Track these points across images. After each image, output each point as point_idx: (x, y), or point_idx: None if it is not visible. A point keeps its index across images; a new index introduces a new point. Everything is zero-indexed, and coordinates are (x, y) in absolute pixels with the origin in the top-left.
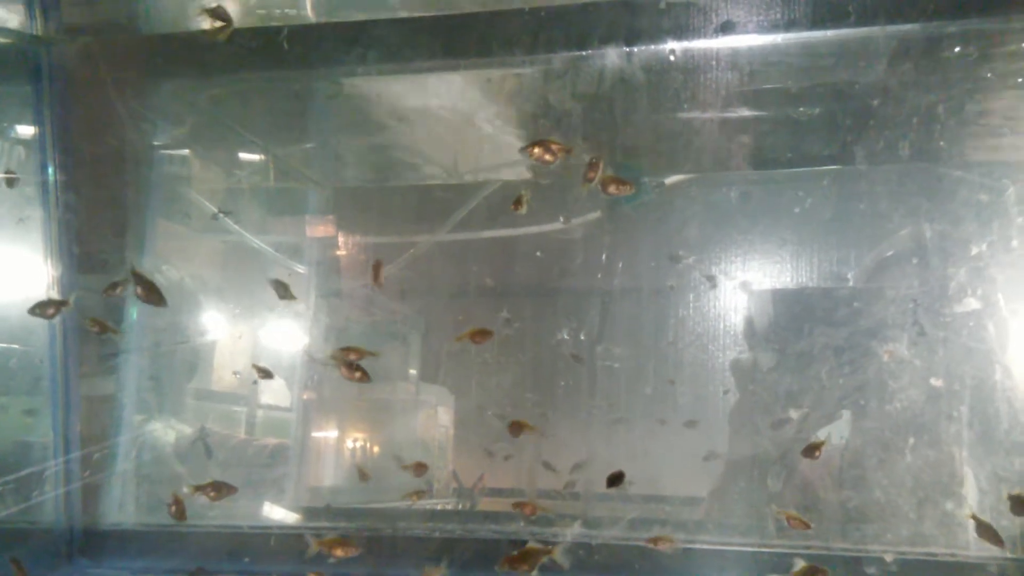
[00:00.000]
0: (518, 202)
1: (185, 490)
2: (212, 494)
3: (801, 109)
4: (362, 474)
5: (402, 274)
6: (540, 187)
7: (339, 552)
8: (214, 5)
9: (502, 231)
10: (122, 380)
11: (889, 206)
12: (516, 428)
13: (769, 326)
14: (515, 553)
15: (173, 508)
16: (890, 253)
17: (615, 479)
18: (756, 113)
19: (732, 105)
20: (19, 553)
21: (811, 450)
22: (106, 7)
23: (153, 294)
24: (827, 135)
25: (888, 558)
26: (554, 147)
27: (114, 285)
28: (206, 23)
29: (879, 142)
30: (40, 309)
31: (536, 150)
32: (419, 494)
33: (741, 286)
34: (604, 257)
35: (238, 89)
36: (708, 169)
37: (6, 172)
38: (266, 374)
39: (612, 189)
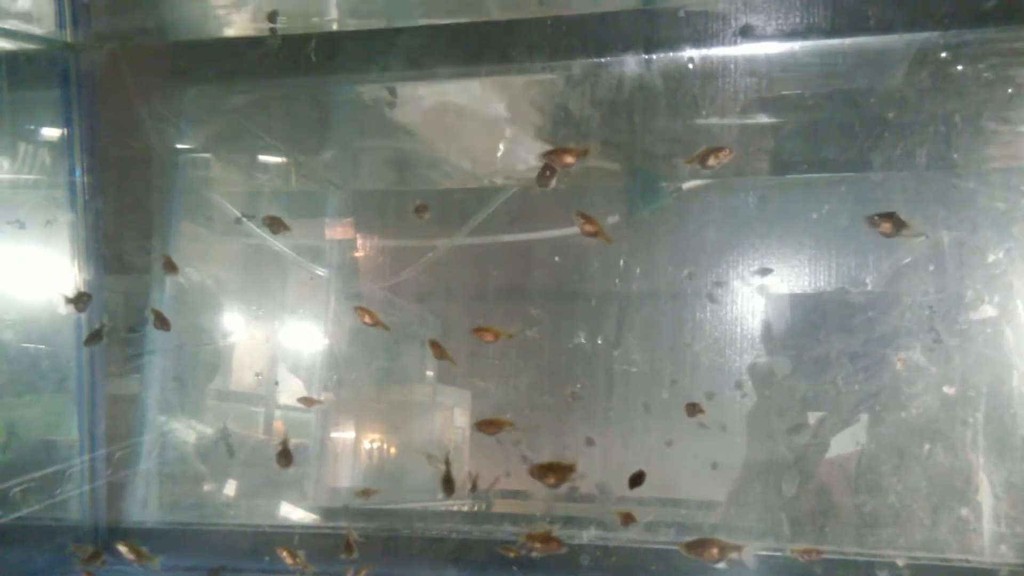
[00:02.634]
0: (589, 220)
1: None
2: None
3: (819, 115)
4: (365, 492)
5: (420, 277)
6: (558, 192)
7: (540, 547)
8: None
9: (520, 235)
10: (146, 380)
11: (906, 213)
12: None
13: (787, 330)
14: (543, 463)
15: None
16: (907, 260)
17: (636, 479)
18: (774, 119)
19: (750, 111)
20: (44, 550)
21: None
22: (134, 15)
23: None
24: (845, 141)
25: (900, 562)
26: (571, 151)
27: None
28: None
29: (896, 149)
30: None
31: (559, 156)
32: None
33: (758, 290)
34: (622, 262)
35: (260, 95)
36: (726, 175)
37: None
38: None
39: (711, 161)
